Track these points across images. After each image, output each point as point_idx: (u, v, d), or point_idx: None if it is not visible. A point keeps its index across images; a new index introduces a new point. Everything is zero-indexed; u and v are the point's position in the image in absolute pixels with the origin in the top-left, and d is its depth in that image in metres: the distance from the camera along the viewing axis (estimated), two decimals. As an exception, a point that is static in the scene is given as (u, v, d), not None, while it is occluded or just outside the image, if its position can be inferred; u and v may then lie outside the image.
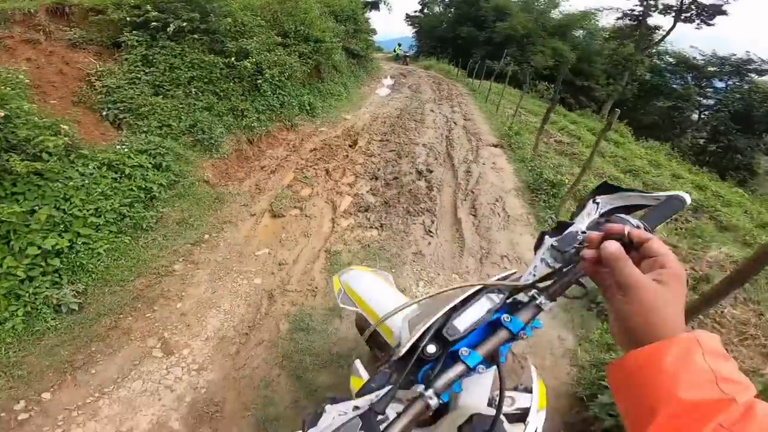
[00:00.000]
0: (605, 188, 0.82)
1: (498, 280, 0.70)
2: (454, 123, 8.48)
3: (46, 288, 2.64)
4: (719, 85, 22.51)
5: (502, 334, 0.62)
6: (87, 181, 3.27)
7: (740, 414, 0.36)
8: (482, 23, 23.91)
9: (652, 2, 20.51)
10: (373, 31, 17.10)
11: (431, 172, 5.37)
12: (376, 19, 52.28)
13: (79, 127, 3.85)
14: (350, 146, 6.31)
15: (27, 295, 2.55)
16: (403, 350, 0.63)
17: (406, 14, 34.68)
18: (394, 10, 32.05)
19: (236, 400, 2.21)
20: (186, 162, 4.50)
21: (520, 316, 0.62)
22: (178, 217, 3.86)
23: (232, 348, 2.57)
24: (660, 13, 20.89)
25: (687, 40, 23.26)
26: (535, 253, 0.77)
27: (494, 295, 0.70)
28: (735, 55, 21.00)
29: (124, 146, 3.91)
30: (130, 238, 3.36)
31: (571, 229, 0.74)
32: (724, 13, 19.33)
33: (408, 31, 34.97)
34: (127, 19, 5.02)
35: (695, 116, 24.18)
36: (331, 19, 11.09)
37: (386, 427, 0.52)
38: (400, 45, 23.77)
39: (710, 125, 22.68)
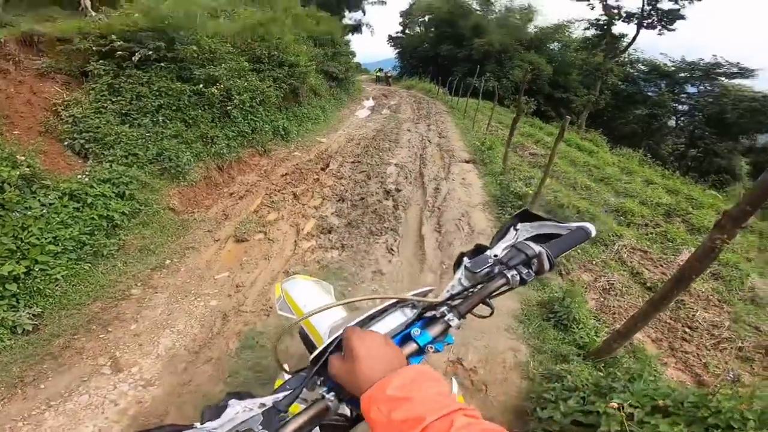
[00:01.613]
0: (526, 216, 0.88)
1: (414, 295, 0.73)
2: (429, 141, 8.59)
3: (3, 311, 2.74)
4: (692, 90, 22.96)
5: (410, 348, 0.65)
6: (46, 211, 3.35)
7: None
8: (461, 41, 24.49)
9: (615, 11, 21.06)
10: (353, 54, 17.51)
11: (399, 191, 5.39)
12: (359, 42, 53.42)
13: (45, 158, 3.87)
14: (322, 169, 6.33)
15: (-17, 318, 2.59)
16: (314, 354, 0.64)
17: (389, 36, 35.58)
18: (377, 32, 33.04)
19: (177, 412, 2.27)
20: (151, 190, 4.49)
21: (429, 331, 0.66)
22: (140, 244, 3.83)
23: (181, 365, 2.59)
24: (623, 21, 21.35)
25: (658, 48, 23.82)
26: (454, 273, 0.81)
27: (408, 309, 0.73)
28: (703, 60, 21.40)
29: (86, 176, 3.91)
30: (89, 264, 3.38)
31: (486, 252, 0.80)
32: (682, 17, 19.59)
33: (391, 53, 35.82)
34: (93, 48, 5.04)
35: (672, 122, 24.63)
36: (309, 43, 11.28)
37: (283, 424, 0.53)
38: (381, 69, 24.66)
39: (687, 131, 23.13)
